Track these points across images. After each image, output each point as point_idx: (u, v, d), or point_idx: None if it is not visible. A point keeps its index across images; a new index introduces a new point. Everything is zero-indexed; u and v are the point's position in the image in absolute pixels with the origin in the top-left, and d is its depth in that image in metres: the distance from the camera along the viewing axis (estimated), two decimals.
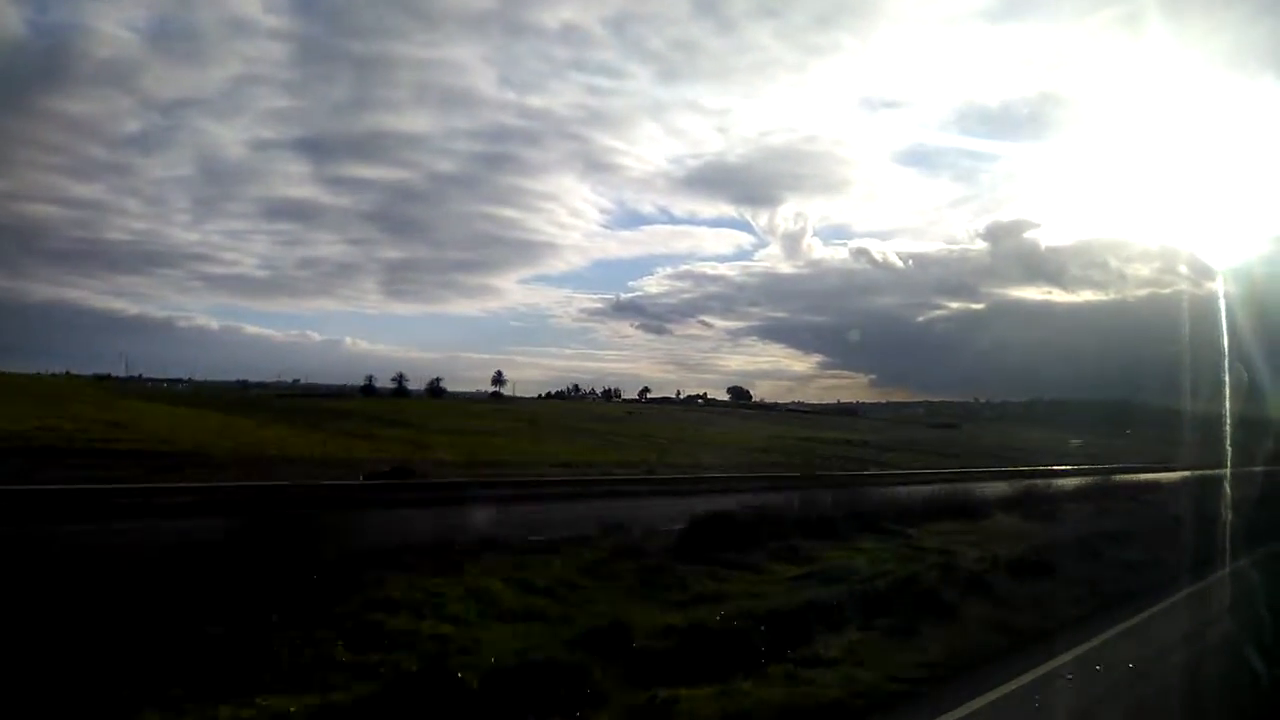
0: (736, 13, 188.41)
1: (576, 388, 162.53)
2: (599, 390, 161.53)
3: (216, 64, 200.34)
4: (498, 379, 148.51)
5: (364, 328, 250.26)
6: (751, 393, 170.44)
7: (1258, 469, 26.05)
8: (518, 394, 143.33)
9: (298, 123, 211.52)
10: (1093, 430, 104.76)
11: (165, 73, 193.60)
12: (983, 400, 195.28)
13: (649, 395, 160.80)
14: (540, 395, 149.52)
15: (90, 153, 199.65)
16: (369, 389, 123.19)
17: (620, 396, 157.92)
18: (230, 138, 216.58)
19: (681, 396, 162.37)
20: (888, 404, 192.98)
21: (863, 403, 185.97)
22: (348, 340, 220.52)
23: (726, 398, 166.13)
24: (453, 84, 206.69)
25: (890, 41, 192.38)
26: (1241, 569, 12.97)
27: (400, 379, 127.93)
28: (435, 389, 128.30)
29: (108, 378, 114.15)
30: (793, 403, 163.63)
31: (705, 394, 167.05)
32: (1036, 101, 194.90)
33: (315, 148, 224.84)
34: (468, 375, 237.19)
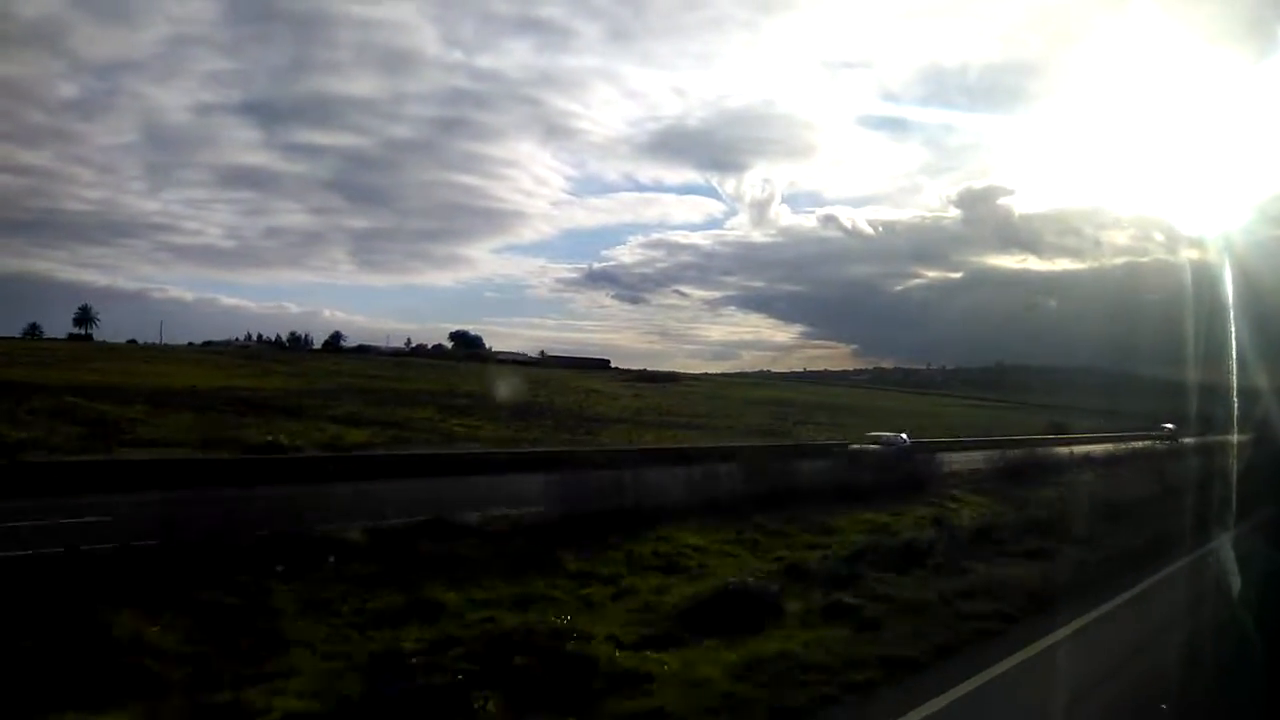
0: None
1: (306, 337, 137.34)
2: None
3: (145, 23, 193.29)
4: (81, 318, 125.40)
5: (340, 299, 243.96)
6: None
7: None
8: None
9: (239, 86, 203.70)
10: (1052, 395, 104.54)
11: (94, 33, 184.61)
12: (941, 367, 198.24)
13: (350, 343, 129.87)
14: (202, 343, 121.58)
15: (30, 118, 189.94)
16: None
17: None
18: (172, 102, 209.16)
19: (411, 346, 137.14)
20: (841, 372, 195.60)
21: (772, 372, 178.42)
22: (325, 312, 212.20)
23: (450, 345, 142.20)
24: (396, 43, 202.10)
25: None
26: None
27: (33, 327, 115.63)
28: (31, 330, 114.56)
29: None
30: (539, 353, 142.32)
31: (443, 344, 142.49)
32: (1006, 66, 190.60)
33: (261, 112, 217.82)
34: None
